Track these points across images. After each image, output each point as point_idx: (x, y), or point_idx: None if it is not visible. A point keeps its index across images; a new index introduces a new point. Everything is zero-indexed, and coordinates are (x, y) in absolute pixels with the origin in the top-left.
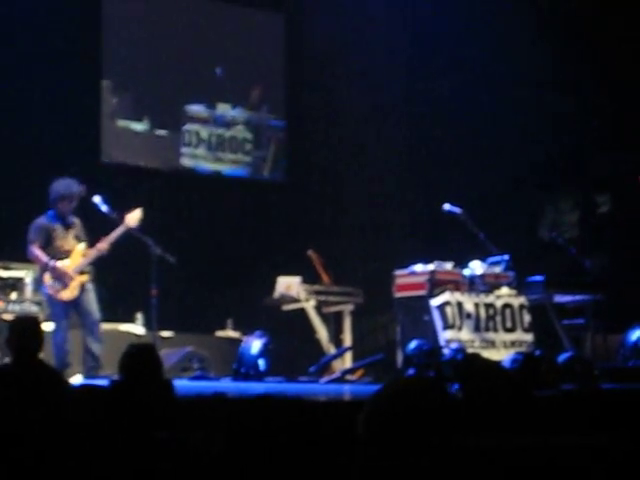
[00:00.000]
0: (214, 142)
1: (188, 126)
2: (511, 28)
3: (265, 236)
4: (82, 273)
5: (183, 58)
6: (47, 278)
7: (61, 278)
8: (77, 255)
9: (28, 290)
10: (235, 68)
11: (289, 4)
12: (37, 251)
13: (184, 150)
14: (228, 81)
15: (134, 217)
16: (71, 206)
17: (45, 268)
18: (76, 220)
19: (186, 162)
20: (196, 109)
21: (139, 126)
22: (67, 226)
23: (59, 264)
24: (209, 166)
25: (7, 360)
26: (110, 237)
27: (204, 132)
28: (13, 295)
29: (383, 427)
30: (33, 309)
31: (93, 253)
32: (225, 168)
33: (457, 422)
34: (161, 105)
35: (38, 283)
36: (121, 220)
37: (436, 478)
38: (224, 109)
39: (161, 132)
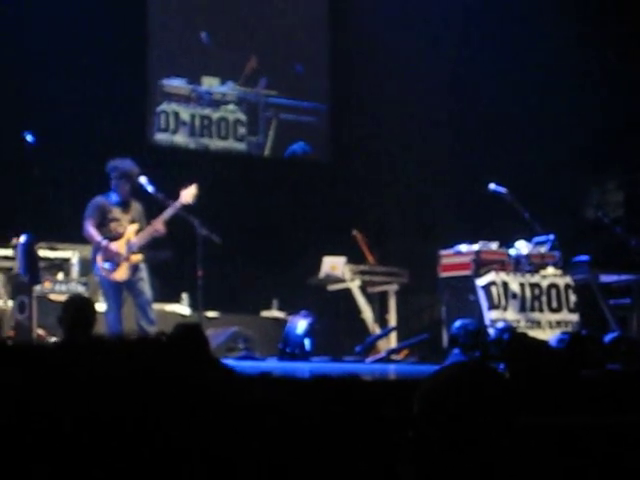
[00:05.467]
0: (198, 125)
1: (164, 106)
2: (555, 9)
3: (310, 217)
4: (135, 253)
5: (161, 23)
6: (99, 258)
7: (113, 258)
8: (130, 235)
9: (74, 270)
10: (225, 34)
11: None
12: (91, 229)
13: (159, 136)
14: (216, 50)
15: (189, 193)
16: (128, 186)
17: (98, 247)
18: (137, 205)
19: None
20: (175, 84)
21: None
22: (125, 209)
23: (112, 244)
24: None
25: (56, 339)
26: (164, 215)
27: (185, 113)
28: (60, 275)
29: (440, 406)
30: (80, 289)
31: (147, 233)
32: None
33: (511, 403)
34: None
35: (91, 262)
36: (176, 197)
37: (492, 456)
38: (211, 84)
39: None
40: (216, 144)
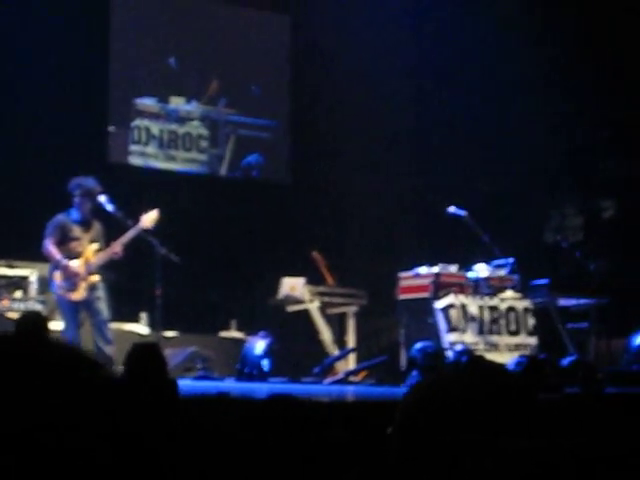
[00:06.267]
0: (166, 139)
1: (137, 121)
2: (515, 32)
3: (270, 237)
4: (93, 274)
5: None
6: (57, 277)
7: (71, 278)
8: (89, 255)
9: (33, 289)
10: (191, 59)
11: None
12: (51, 247)
13: (133, 148)
14: (183, 73)
15: (150, 218)
16: (90, 204)
17: (56, 266)
18: (97, 224)
19: (135, 160)
20: (147, 103)
21: None
22: (86, 228)
23: (71, 264)
24: (159, 165)
25: None
26: (123, 239)
27: (155, 128)
28: (17, 294)
29: (418, 426)
30: (37, 307)
31: (106, 255)
32: (177, 167)
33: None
34: (108, 98)
35: (48, 281)
36: (135, 218)
37: (466, 477)
38: (178, 103)
39: (109, 128)
40: (181, 155)
